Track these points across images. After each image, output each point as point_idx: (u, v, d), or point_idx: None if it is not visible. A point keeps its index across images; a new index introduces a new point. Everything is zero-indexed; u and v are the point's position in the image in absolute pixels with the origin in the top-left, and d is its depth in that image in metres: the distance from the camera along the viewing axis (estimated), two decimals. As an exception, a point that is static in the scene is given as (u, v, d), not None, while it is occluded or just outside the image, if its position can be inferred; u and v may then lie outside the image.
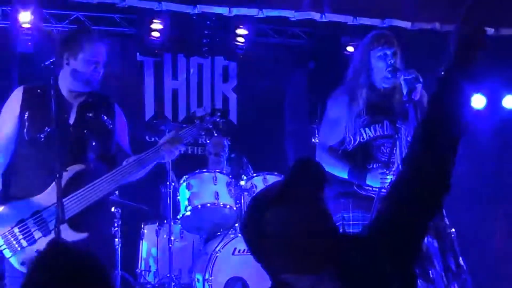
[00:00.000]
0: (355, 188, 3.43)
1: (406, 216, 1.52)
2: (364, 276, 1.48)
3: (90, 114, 3.61)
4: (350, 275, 1.45)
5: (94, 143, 3.56)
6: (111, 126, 3.61)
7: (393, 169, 3.43)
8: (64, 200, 3.30)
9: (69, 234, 3.31)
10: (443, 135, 1.55)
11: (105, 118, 3.64)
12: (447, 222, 3.18)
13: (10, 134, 3.50)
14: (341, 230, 3.47)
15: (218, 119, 4.01)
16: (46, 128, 3.48)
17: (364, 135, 3.43)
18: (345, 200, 3.48)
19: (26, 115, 3.47)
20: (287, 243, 1.45)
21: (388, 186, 3.08)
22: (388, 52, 3.42)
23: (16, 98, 3.52)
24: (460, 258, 3.20)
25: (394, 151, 3.37)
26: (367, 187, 3.38)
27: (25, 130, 3.48)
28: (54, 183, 3.31)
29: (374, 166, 3.39)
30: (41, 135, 3.51)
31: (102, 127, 3.59)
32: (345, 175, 3.43)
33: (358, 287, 1.47)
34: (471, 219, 5.81)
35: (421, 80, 3.30)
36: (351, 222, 3.43)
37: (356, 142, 3.44)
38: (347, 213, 3.48)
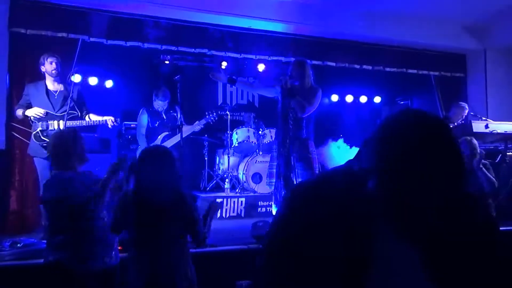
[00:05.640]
0: None
1: None
2: None
3: (168, 114, 5.00)
4: None
5: (170, 124, 4.90)
6: (177, 116, 4.78)
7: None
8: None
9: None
10: None
11: (174, 114, 4.85)
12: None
13: (145, 127, 4.96)
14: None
15: (212, 118, 5.07)
16: (157, 122, 4.96)
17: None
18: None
19: (149, 119, 4.96)
20: None
21: None
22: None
23: (143, 114, 4.96)
24: None
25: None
26: None
27: (150, 124, 4.94)
28: (158, 137, 4.86)
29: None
30: (155, 125, 4.95)
31: (174, 117, 4.87)
32: None
33: None
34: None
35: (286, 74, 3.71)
36: None
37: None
38: None
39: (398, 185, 0.80)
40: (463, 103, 5.58)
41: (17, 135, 4.36)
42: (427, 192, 0.79)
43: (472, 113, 5.57)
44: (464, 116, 5.31)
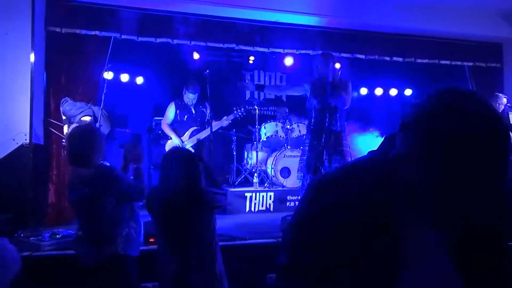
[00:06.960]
0: None
1: None
2: None
3: (197, 109, 5.01)
4: None
5: (198, 119, 4.96)
6: (206, 111, 4.97)
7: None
8: (187, 139, 4.91)
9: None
10: None
11: (203, 109, 4.90)
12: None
13: (171, 119, 4.99)
14: None
15: (240, 114, 5.14)
16: (186, 116, 4.99)
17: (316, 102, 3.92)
18: None
19: (177, 111, 5.00)
20: None
21: None
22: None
23: (172, 106, 5.00)
24: None
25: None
26: None
27: (178, 117, 4.98)
28: (187, 132, 4.90)
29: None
30: (183, 119, 4.98)
31: (203, 112, 4.94)
32: None
33: None
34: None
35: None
36: None
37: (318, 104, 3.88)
38: None
39: (444, 173, 0.72)
40: (502, 94, 5.41)
41: (54, 131, 4.50)
42: (477, 182, 0.71)
43: (508, 105, 5.38)
44: (502, 108, 5.16)
